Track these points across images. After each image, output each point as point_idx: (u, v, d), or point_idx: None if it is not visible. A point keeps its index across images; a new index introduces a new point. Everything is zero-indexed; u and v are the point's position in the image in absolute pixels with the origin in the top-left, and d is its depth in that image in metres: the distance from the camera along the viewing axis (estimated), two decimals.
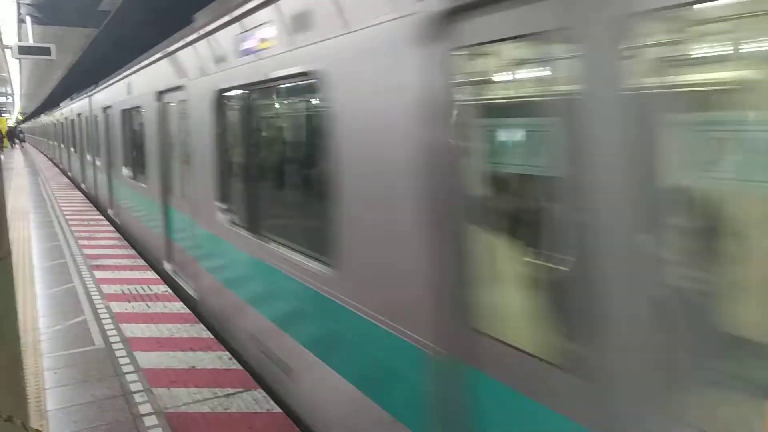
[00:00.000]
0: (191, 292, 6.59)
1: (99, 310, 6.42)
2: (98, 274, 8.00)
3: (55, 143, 31.62)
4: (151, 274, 7.97)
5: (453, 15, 2.24)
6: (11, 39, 18.82)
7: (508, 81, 2.38)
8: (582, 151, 1.81)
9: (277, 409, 4.17)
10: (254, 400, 4.30)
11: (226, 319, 5.53)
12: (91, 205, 15.32)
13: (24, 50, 14.84)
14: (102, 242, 10.29)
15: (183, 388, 4.52)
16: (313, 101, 4.03)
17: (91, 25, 15.98)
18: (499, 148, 2.54)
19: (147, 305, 6.58)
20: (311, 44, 3.35)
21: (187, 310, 6.38)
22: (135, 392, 4.46)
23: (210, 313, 6.02)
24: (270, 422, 4.01)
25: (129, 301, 6.72)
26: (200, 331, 5.74)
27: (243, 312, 4.98)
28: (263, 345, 4.51)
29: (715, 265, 1.69)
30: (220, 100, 5.28)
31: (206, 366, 4.92)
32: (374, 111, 2.75)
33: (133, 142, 10.00)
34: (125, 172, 10.56)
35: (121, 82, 10.36)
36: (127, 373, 4.81)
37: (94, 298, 6.90)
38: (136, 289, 7.25)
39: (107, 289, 7.26)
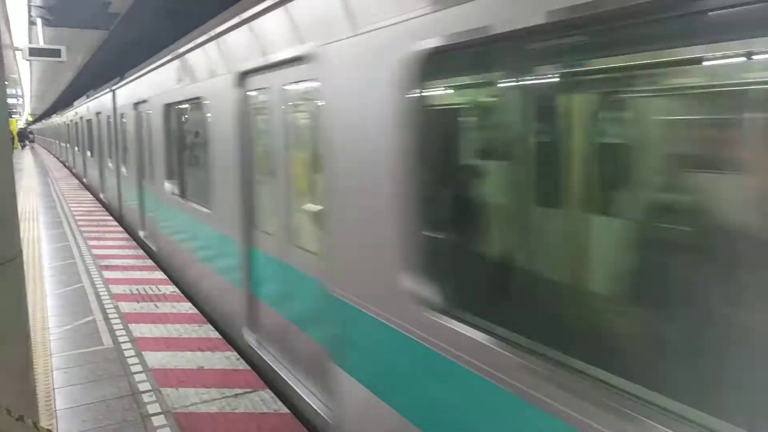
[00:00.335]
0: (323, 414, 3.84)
1: (108, 310, 6.46)
2: (107, 274, 8.05)
3: (68, 146, 29.22)
4: (159, 275, 8.01)
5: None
6: (22, 41, 18.98)
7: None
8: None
9: (285, 410, 4.18)
10: (262, 401, 4.31)
11: None
12: (100, 206, 15.39)
13: (34, 52, 14.93)
14: (111, 242, 10.35)
15: (191, 388, 4.54)
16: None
17: (101, 27, 16.09)
18: None
19: (155, 305, 6.61)
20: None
21: (195, 311, 6.41)
22: (143, 392, 4.48)
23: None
24: (278, 422, 4.01)
25: (138, 302, 6.76)
26: (208, 332, 5.76)
27: None
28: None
29: None
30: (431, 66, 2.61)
31: (214, 366, 4.93)
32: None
33: (183, 148, 7.45)
34: (169, 187, 7.87)
35: (165, 68, 7.73)
36: (135, 372, 4.83)
37: (103, 298, 6.94)
38: (144, 289, 7.28)
39: (116, 289, 7.30)
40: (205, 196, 6.10)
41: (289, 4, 3.89)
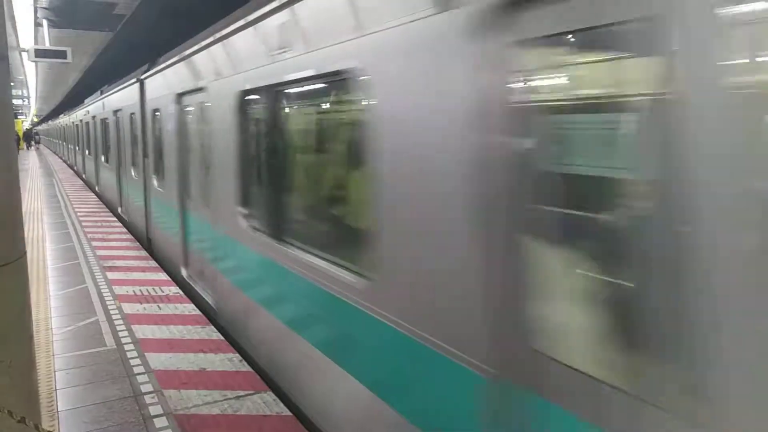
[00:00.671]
0: None
1: (111, 311, 6.47)
2: (111, 275, 8.06)
3: (76, 148, 25.96)
4: (162, 276, 8.02)
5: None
6: (28, 42, 19.08)
7: None
8: None
9: (287, 412, 4.17)
10: (264, 403, 4.30)
11: None
12: (104, 206, 15.41)
13: (40, 53, 15.01)
14: (115, 243, 10.37)
15: (193, 389, 4.54)
16: None
17: (106, 29, 16.16)
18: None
19: (158, 306, 6.61)
20: None
21: (198, 312, 6.41)
22: (146, 393, 4.48)
23: None
24: (280, 425, 4.00)
25: (141, 303, 6.76)
26: (210, 333, 5.75)
27: None
28: None
29: None
30: None
31: (216, 368, 4.93)
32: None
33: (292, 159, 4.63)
34: (247, 224, 5.04)
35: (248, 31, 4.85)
36: (138, 374, 4.83)
37: (106, 299, 6.95)
38: (147, 290, 7.29)
39: (119, 290, 7.31)
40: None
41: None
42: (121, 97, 11.93)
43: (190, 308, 6.55)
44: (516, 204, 2.18)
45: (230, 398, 4.38)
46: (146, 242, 10.08)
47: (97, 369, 4.93)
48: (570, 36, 2.03)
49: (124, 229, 11.81)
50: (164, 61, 8.08)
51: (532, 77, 2.15)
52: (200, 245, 6.76)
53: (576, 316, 2.10)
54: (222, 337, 5.65)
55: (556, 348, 2.05)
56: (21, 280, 2.74)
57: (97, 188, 18.37)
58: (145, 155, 9.76)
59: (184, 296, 7.03)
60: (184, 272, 7.55)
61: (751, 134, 1.52)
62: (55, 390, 4.53)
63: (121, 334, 5.77)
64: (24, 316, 2.75)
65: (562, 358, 2.02)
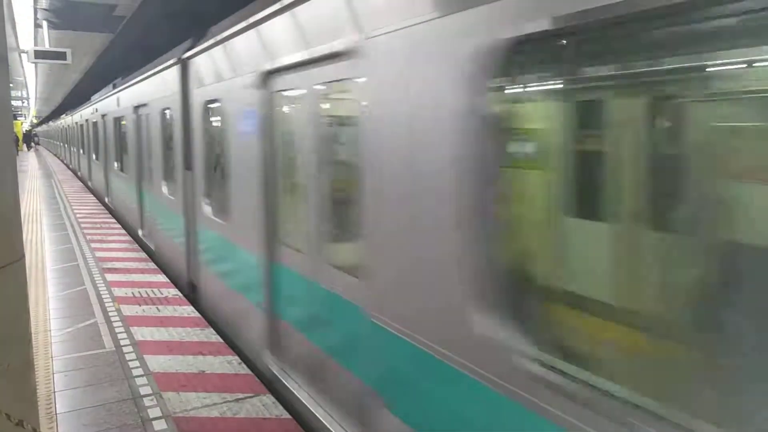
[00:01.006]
0: None
1: (110, 313, 6.45)
2: (110, 277, 8.04)
3: (80, 151, 23.42)
4: (161, 278, 8.00)
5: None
6: (27, 43, 19.07)
7: None
8: None
9: (287, 415, 4.15)
10: (263, 406, 4.28)
11: None
12: (104, 209, 15.37)
13: (40, 55, 15.00)
14: (114, 245, 10.35)
15: (192, 392, 4.52)
16: None
17: (106, 30, 16.15)
18: None
19: (157, 309, 6.60)
20: None
21: (197, 314, 6.39)
22: (144, 396, 4.46)
23: None
24: (279, 428, 3.98)
25: (140, 305, 6.74)
26: (209, 335, 5.74)
27: None
28: None
29: None
30: None
31: (216, 370, 4.91)
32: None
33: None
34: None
35: None
36: (136, 376, 4.81)
37: (105, 301, 6.93)
38: (147, 292, 7.27)
39: (118, 292, 7.29)
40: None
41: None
42: (146, 88, 9.29)
43: (189, 310, 6.54)
44: None
45: (229, 401, 4.37)
46: (187, 288, 7.30)
47: (95, 371, 4.91)
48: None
49: (124, 231, 11.78)
50: (230, 27, 5.29)
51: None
52: (308, 323, 4.13)
53: None
54: (221, 340, 5.63)
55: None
56: (19, 282, 2.72)
57: (107, 199, 15.46)
58: (187, 167, 7.01)
59: (183, 298, 7.01)
60: (270, 359, 4.67)
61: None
62: (54, 392, 4.52)
63: (120, 336, 5.75)
64: (22, 319, 2.73)
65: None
